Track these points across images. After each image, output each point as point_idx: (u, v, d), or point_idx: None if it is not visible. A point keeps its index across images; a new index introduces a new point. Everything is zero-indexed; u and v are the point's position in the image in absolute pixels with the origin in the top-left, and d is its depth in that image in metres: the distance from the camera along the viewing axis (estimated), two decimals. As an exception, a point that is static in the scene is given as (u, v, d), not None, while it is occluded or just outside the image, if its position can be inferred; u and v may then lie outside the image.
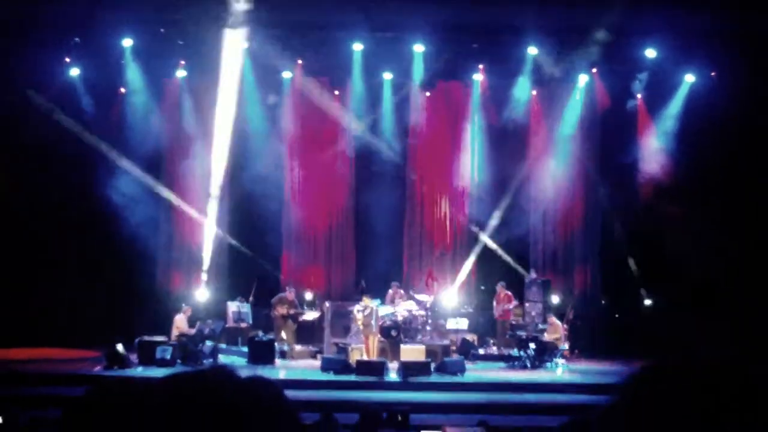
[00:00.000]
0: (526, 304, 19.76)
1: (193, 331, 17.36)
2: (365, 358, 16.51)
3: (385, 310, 17.85)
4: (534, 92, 21.48)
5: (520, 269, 20.97)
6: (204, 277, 20.74)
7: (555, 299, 20.09)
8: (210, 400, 1.38)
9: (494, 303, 19.89)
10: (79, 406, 1.91)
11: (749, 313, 18.07)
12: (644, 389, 1.19)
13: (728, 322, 17.55)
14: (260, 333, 18.21)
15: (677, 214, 19.91)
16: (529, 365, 17.33)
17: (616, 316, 20.58)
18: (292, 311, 18.66)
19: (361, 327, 17.04)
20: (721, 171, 19.52)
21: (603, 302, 21.16)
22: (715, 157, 19.44)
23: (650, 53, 19.61)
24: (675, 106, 20.77)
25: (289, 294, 19.03)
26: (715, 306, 18.42)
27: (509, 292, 19.78)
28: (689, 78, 20.50)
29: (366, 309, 16.97)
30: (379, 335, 17.03)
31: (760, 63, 18.57)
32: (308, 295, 20.34)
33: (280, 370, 16.68)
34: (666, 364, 1.21)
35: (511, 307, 19.58)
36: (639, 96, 21.17)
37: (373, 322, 16.90)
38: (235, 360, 17.39)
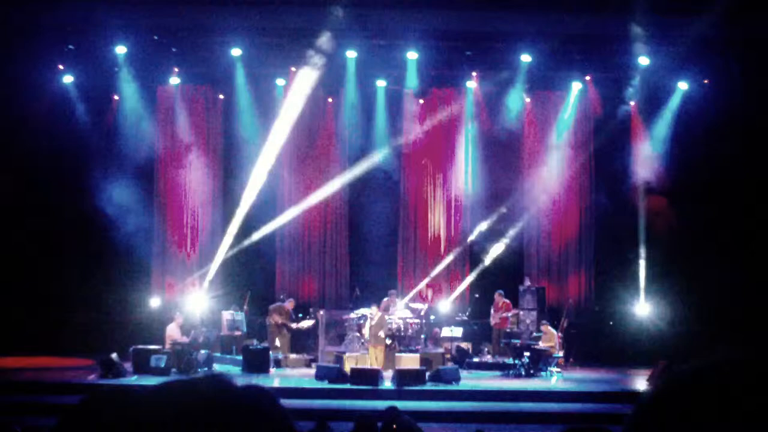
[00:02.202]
0: (521, 312, 19.72)
1: (187, 340, 17.31)
2: (360, 365, 16.51)
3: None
4: (528, 99, 21.51)
5: (514, 277, 20.90)
6: (206, 285, 20.66)
7: (549, 307, 20.03)
8: (205, 409, 1.38)
9: (492, 311, 19.80)
10: (73, 415, 1.91)
11: (746, 315, 18.10)
12: (671, 401, 1.18)
13: (725, 326, 17.59)
14: (255, 341, 18.18)
15: (669, 219, 19.93)
16: (524, 373, 17.30)
17: (611, 323, 20.56)
18: (289, 323, 18.59)
19: (368, 337, 17.04)
20: (715, 177, 19.54)
21: (597, 310, 21.14)
22: (709, 163, 19.47)
23: (643, 60, 19.63)
24: (668, 113, 20.80)
25: (289, 304, 18.99)
26: (711, 309, 18.45)
27: (508, 300, 19.72)
28: (682, 85, 20.54)
29: (373, 319, 17.00)
30: (384, 345, 17.01)
31: (754, 70, 18.61)
32: (302, 304, 20.28)
33: (275, 378, 16.62)
34: (690, 372, 1.19)
35: (509, 315, 19.50)
36: (632, 103, 21.21)
37: (370, 331, 16.95)
38: (230, 368, 17.32)
